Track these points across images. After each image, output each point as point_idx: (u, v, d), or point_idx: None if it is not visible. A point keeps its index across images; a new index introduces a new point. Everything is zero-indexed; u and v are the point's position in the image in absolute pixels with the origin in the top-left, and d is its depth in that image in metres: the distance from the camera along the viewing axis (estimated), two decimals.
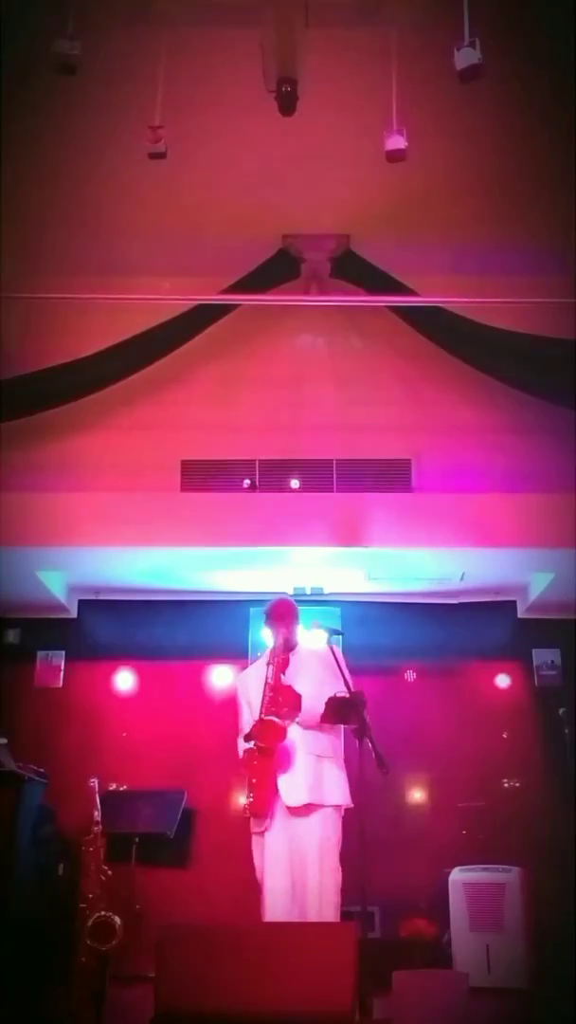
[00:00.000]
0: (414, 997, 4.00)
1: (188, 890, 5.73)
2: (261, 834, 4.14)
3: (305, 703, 4.16)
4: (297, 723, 4.17)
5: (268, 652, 4.43)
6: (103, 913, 4.24)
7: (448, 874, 5.44)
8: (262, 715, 4.15)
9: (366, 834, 3.90)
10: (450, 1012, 3.93)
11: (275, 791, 4.10)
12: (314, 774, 4.13)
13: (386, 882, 5.14)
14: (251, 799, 4.11)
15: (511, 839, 5.81)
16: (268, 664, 4.29)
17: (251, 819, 4.16)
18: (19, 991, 4.33)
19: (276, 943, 3.24)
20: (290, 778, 4.11)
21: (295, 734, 4.16)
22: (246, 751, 4.21)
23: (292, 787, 4.09)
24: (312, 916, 3.98)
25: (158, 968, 3.20)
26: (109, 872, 4.65)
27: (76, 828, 5.04)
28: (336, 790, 4.18)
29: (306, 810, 4.09)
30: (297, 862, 4.06)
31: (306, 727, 4.19)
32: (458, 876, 5.40)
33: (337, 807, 4.18)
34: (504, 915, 5.22)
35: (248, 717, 4.33)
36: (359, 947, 3.19)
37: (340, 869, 4.10)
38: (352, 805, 4.20)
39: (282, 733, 4.09)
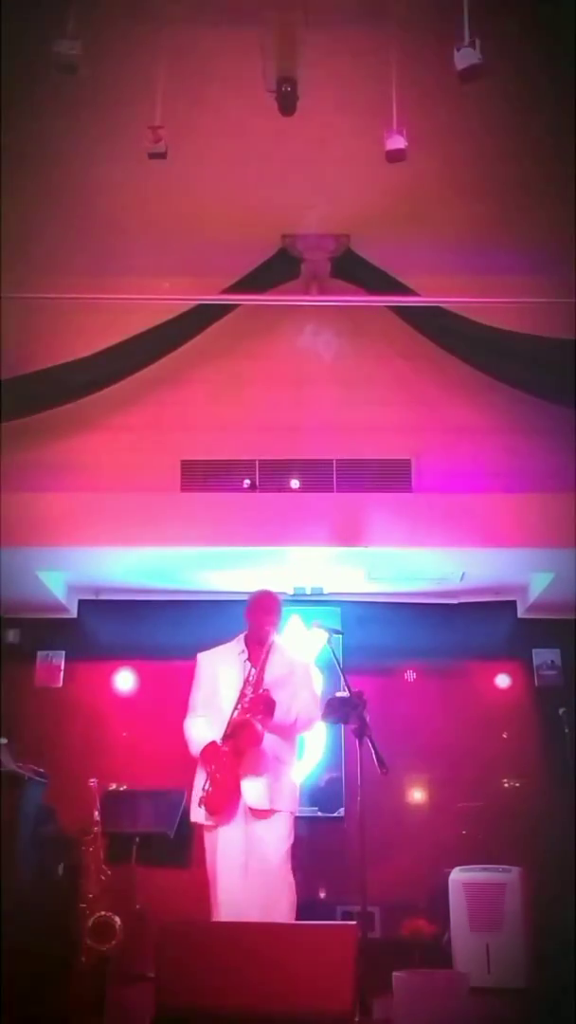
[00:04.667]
0: (414, 997, 4.01)
1: (188, 890, 5.70)
2: (213, 829, 4.14)
3: (278, 712, 4.17)
4: (268, 729, 4.17)
5: (241, 642, 4.42)
6: (103, 913, 4.24)
7: (448, 874, 5.44)
8: (241, 715, 4.14)
9: (366, 834, 3.90)
10: (450, 1012, 3.94)
11: (236, 791, 4.10)
12: (276, 779, 4.16)
13: (386, 882, 5.14)
14: (208, 791, 4.11)
15: (511, 839, 5.81)
16: (248, 667, 4.28)
17: (204, 813, 4.15)
18: (19, 991, 4.33)
19: (276, 943, 3.23)
20: (255, 781, 4.11)
21: (266, 738, 4.17)
22: (210, 745, 4.18)
23: (256, 790, 4.10)
24: (270, 918, 3.97)
25: (158, 968, 3.20)
26: (109, 872, 4.65)
27: (76, 828, 5.04)
28: (291, 796, 4.23)
29: (266, 813, 4.10)
30: (255, 864, 4.05)
31: (272, 732, 4.19)
32: (458, 876, 5.40)
33: (291, 812, 4.21)
34: (504, 915, 5.22)
35: (207, 699, 4.33)
36: (359, 947, 3.19)
37: (291, 871, 4.13)
38: (298, 810, 4.28)
39: (259, 738, 4.10)
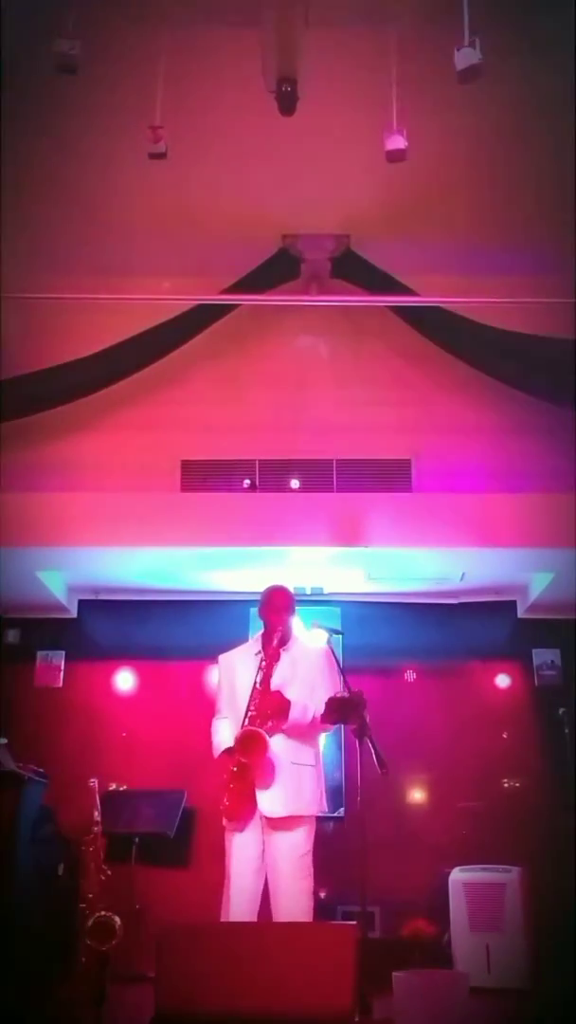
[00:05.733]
0: (414, 997, 4.00)
1: (188, 890, 5.72)
2: (231, 832, 4.10)
3: (293, 712, 4.08)
4: (282, 731, 4.10)
5: (258, 641, 4.37)
6: (103, 913, 4.22)
7: (448, 874, 5.44)
8: (246, 724, 4.07)
9: (366, 834, 3.90)
10: (450, 1012, 3.93)
11: (250, 800, 4.03)
12: (293, 784, 4.06)
13: (386, 882, 5.13)
14: (227, 802, 4.07)
15: (511, 839, 5.80)
16: (259, 668, 4.20)
17: (224, 818, 4.13)
18: (19, 991, 4.33)
19: (276, 943, 3.23)
20: (267, 791, 4.03)
21: (277, 742, 4.07)
22: (222, 756, 4.15)
23: (270, 798, 4.02)
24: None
25: (158, 968, 3.19)
26: (109, 872, 4.65)
27: (76, 828, 5.04)
28: (313, 800, 4.13)
29: (284, 822, 4.04)
30: (269, 869, 4.02)
31: (290, 736, 4.11)
32: (458, 876, 5.40)
33: (312, 817, 4.13)
34: (504, 915, 5.21)
35: (228, 700, 4.28)
36: (359, 947, 3.19)
37: (312, 876, 4.06)
38: (325, 811, 4.20)
39: (265, 747, 4.00)
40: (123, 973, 4.53)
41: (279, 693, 4.12)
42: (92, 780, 4.76)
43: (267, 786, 4.03)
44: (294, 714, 4.08)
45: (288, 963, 3.08)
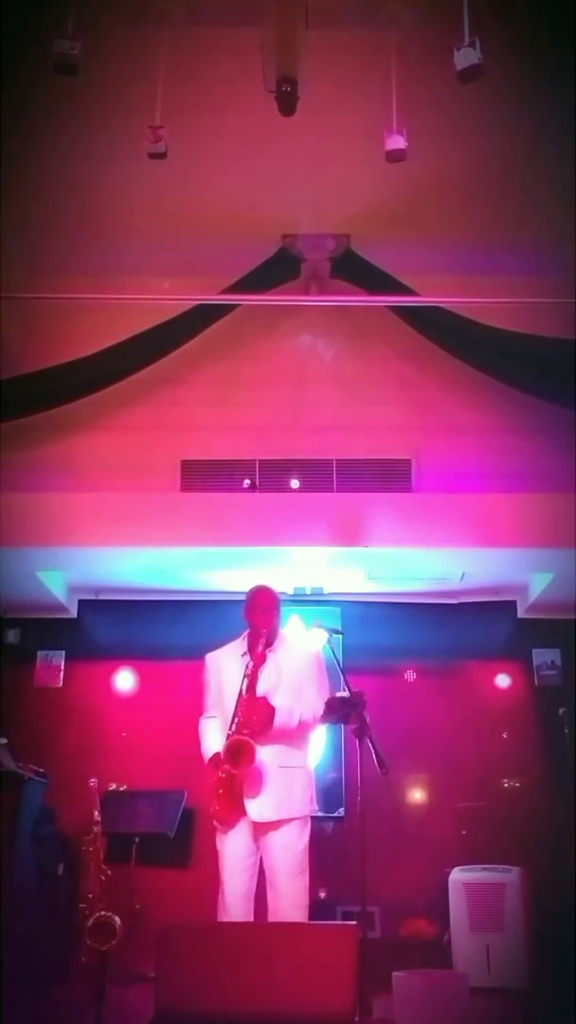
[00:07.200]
0: (414, 997, 4.02)
1: (188, 890, 5.72)
2: (223, 833, 4.11)
3: (278, 718, 4.08)
4: (269, 739, 4.09)
5: (245, 641, 4.36)
6: (103, 913, 4.24)
7: (448, 874, 5.44)
8: (232, 731, 4.07)
9: (366, 834, 3.90)
10: (450, 1012, 3.94)
11: (240, 804, 4.04)
12: (283, 788, 4.07)
13: (386, 882, 5.14)
14: (215, 808, 4.09)
15: (511, 839, 5.81)
16: (244, 674, 4.19)
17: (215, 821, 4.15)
18: (19, 991, 4.33)
19: (276, 943, 3.24)
20: (256, 798, 4.03)
21: (264, 748, 4.07)
22: (212, 760, 4.15)
23: (259, 805, 4.03)
24: (279, 919, 3.95)
25: (158, 968, 3.20)
26: (109, 872, 4.66)
27: (76, 828, 5.05)
28: (303, 801, 4.13)
29: (274, 825, 4.04)
30: (264, 867, 4.04)
31: (278, 742, 4.11)
32: (458, 876, 5.40)
33: (304, 817, 4.14)
34: (504, 915, 5.22)
35: (216, 700, 4.28)
36: (359, 947, 3.19)
37: (307, 872, 4.07)
38: (317, 810, 4.20)
39: (252, 756, 3.99)
40: (123, 973, 4.54)
41: (265, 700, 4.12)
42: (92, 780, 4.78)
43: (255, 794, 4.03)
44: (279, 720, 4.09)
45: (288, 963, 3.09)
